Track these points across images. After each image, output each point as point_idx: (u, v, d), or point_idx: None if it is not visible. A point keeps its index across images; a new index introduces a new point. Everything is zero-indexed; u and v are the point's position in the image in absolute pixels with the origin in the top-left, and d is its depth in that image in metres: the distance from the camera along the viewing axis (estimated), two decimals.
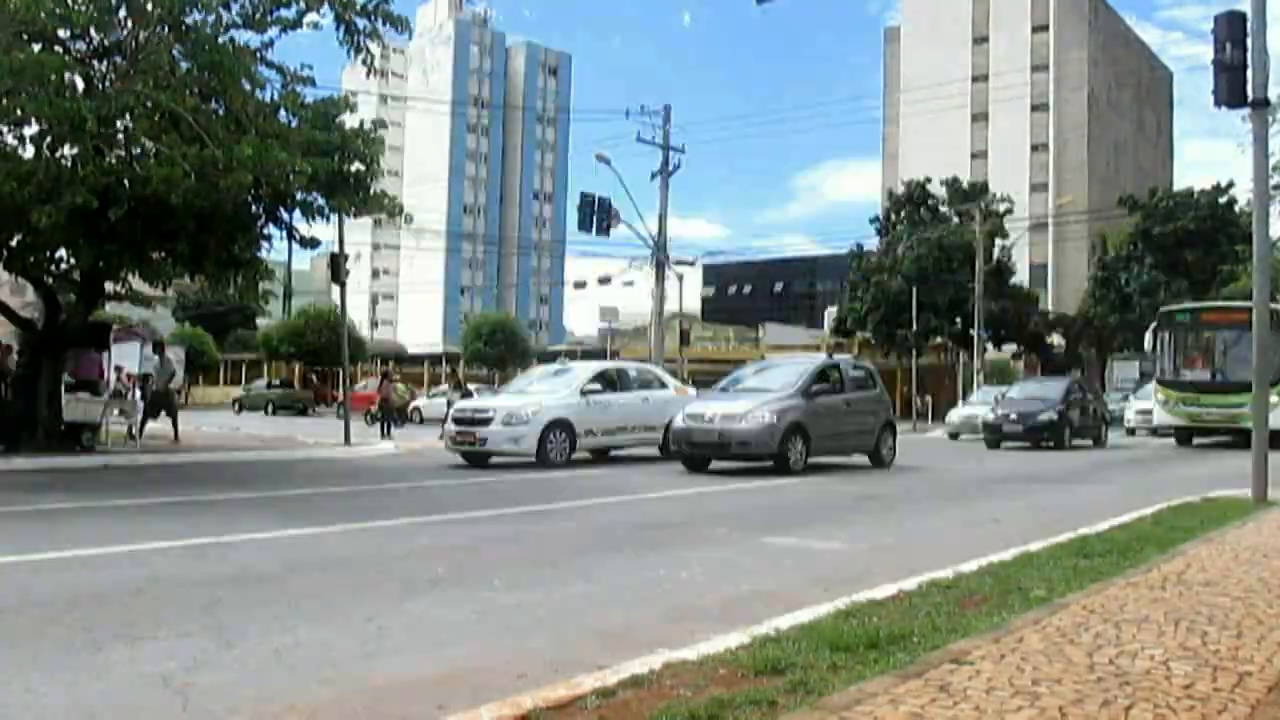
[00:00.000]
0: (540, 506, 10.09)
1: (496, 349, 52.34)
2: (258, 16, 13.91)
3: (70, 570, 6.28)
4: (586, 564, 6.77)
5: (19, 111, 12.72)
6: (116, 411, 17.44)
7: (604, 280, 42.18)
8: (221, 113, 13.73)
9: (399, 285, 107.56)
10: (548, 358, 43.60)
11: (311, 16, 14.15)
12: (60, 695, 3.70)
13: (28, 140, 13.49)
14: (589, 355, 45.49)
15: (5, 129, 13.47)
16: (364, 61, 14.41)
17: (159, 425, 19.36)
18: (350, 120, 15.81)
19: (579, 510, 9.91)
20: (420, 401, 35.02)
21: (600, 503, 10.60)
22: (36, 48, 12.52)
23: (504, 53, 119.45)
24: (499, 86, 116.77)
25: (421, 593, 5.75)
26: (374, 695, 3.76)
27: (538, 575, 6.31)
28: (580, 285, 51.48)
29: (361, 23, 13.99)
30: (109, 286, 16.79)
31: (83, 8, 12.95)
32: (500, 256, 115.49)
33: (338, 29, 14.02)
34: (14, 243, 14.95)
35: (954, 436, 27.06)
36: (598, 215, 29.42)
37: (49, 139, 13.09)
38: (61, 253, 15.85)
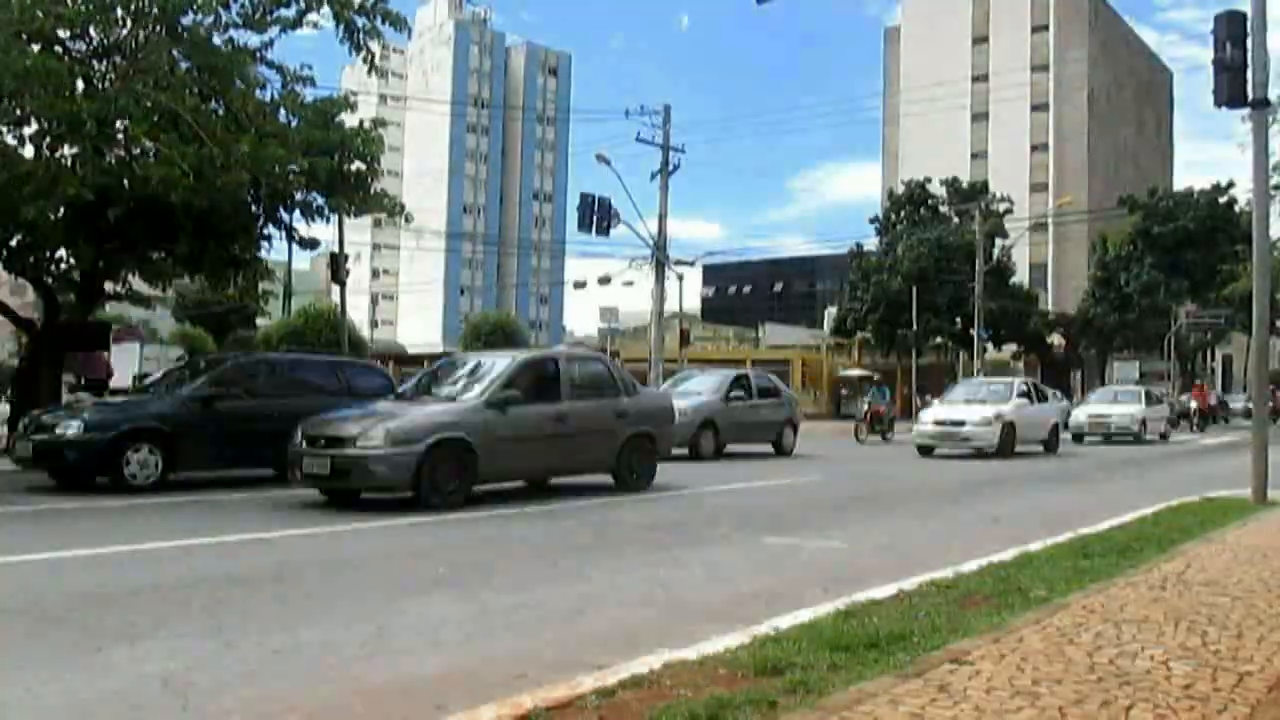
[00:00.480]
0: (540, 507, 10.10)
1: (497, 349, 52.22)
2: (257, 16, 13.89)
3: (70, 570, 6.27)
4: (586, 564, 6.76)
5: (19, 111, 12.72)
6: None
7: (604, 280, 42.11)
8: (221, 112, 13.73)
9: (399, 285, 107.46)
10: None
11: (311, 16, 14.15)
12: (60, 695, 3.70)
13: (27, 140, 13.48)
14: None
15: (5, 129, 13.46)
16: (365, 59, 14.42)
17: None
18: (350, 120, 15.81)
19: (579, 510, 9.91)
20: None
21: (600, 502, 10.59)
22: (36, 48, 12.52)
23: (504, 53, 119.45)
24: (499, 86, 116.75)
25: (421, 593, 5.75)
26: (374, 695, 3.75)
27: (538, 575, 6.31)
28: (580, 285, 51.39)
29: (360, 20, 13.99)
30: (109, 286, 16.78)
31: (80, 7, 12.94)
32: (500, 256, 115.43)
33: (337, 28, 14.02)
34: (14, 243, 14.95)
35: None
36: (597, 215, 29.39)
37: (48, 139, 13.08)
38: (61, 253, 15.85)
